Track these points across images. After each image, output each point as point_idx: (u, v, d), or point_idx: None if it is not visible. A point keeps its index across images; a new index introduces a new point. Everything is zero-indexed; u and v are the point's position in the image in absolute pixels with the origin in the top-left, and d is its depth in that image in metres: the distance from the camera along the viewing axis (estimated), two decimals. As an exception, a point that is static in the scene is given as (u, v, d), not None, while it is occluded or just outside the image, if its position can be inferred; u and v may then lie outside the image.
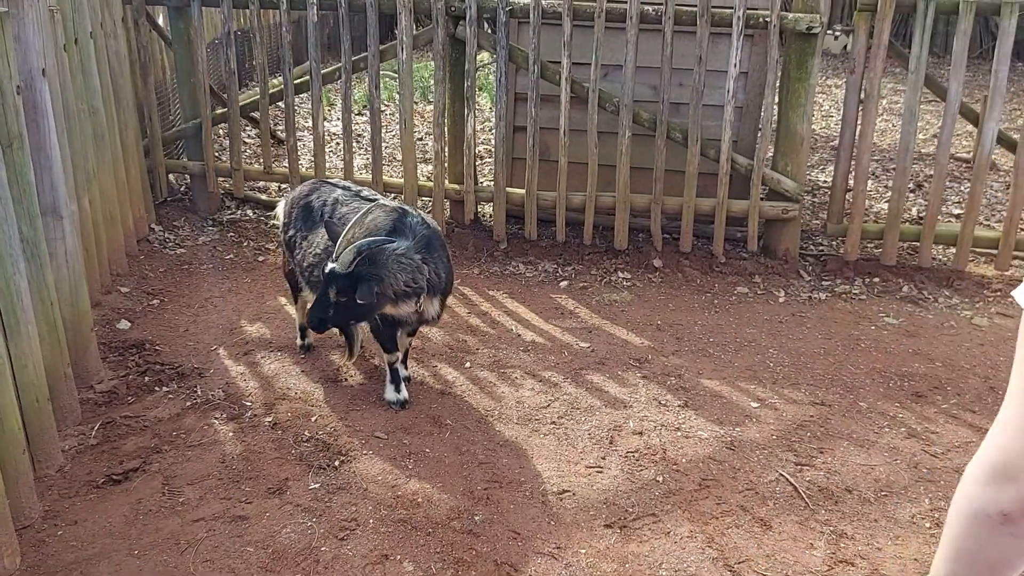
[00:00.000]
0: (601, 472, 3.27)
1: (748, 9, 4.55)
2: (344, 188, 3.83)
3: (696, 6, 4.55)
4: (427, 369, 3.99)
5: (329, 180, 4.00)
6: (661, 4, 4.61)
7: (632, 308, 4.65)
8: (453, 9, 4.84)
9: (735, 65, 4.62)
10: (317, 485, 3.17)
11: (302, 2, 4.92)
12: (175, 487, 3.16)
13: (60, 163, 3.59)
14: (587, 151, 4.89)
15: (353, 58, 5.04)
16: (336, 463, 3.29)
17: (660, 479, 3.23)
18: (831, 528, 2.99)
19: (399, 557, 2.82)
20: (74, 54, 4.12)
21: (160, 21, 5.64)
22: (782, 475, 3.26)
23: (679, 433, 3.53)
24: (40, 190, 3.37)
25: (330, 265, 3.26)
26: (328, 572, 2.75)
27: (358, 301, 3.22)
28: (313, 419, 3.57)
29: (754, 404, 3.74)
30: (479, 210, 5.44)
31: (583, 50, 4.79)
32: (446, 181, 5.19)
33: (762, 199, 4.97)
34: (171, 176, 5.75)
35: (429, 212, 5.23)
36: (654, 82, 4.89)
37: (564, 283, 4.92)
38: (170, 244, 5.24)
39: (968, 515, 1.09)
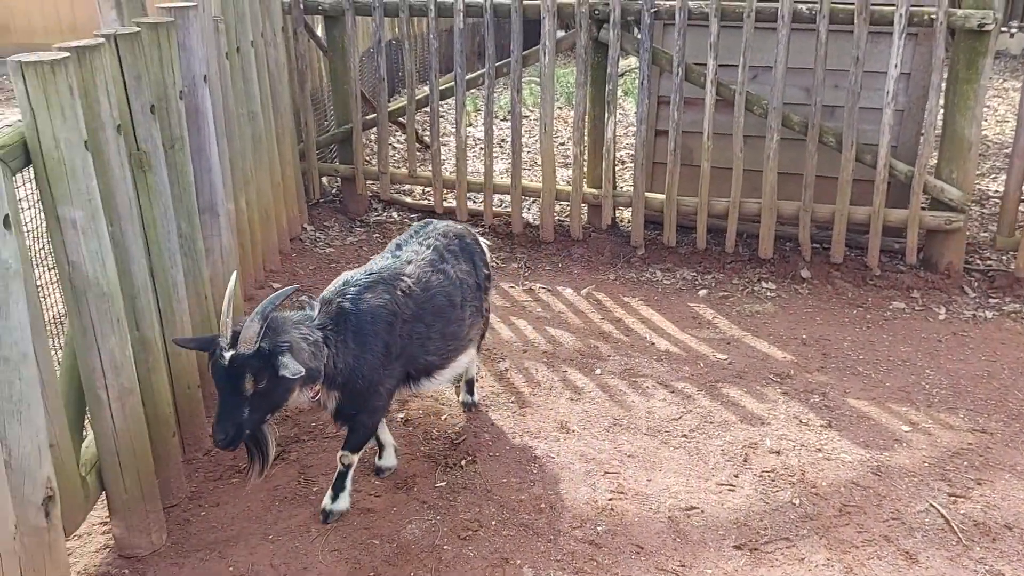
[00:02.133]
0: (733, 490, 3.14)
1: (912, 6, 4.26)
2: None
3: (854, 4, 4.31)
4: (556, 374, 3.96)
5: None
6: (815, 3, 4.39)
7: (776, 320, 4.44)
8: (597, 12, 4.79)
9: (896, 66, 4.33)
10: (443, 483, 3.20)
11: (449, 9, 5.02)
12: (310, 476, 3.27)
13: (219, 164, 3.80)
14: (731, 155, 4.72)
15: (497, 63, 5.08)
16: (462, 463, 3.31)
17: (797, 502, 3.06)
18: (986, 567, 2.74)
19: (519, 562, 2.80)
20: (236, 62, 4.36)
21: (318, 31, 5.89)
22: (933, 506, 3.02)
23: (820, 454, 3.33)
24: (199, 189, 3.58)
25: (228, 353, 2.51)
26: (449, 571, 2.77)
27: (288, 376, 2.52)
28: (443, 418, 3.62)
29: (905, 428, 3.49)
30: (617, 215, 5.37)
31: (730, 51, 4.64)
32: (584, 185, 5.15)
33: (923, 208, 4.64)
34: (324, 179, 6.00)
35: (566, 217, 5.22)
36: (806, 84, 4.66)
37: (703, 291, 4.77)
38: (320, 243, 5.46)
39: None
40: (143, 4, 3.57)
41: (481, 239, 3.50)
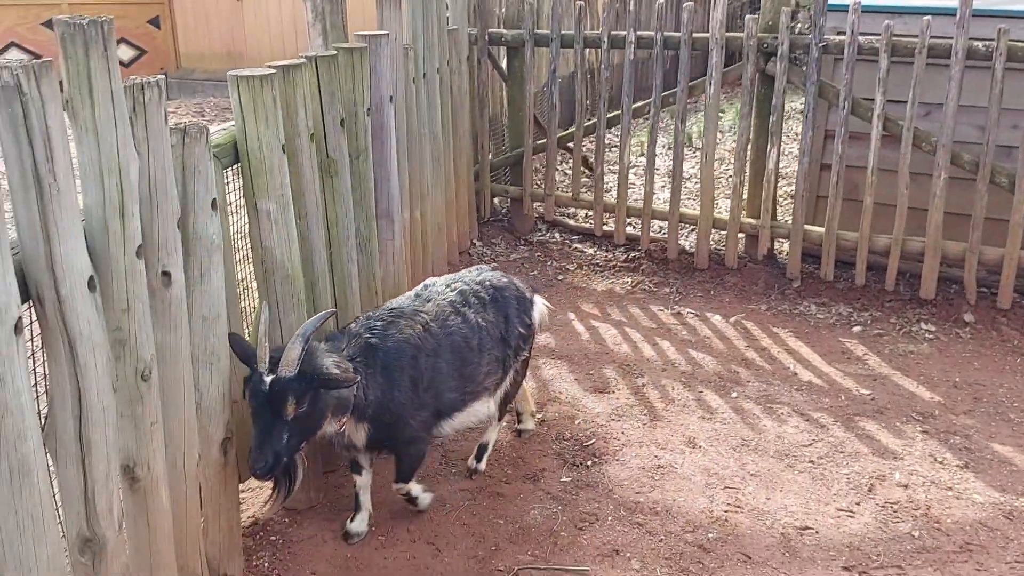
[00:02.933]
0: (852, 517, 3.16)
1: (1098, 45, 4.10)
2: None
3: (1033, 42, 4.19)
4: (691, 393, 4.09)
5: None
6: (992, 40, 4.30)
7: (930, 362, 4.34)
8: (765, 46, 4.91)
9: (1078, 106, 4.17)
10: (568, 479, 3.42)
11: (621, 42, 5.29)
12: (451, 460, 3.59)
13: (397, 176, 4.24)
14: (896, 192, 4.67)
15: (663, 94, 5.29)
16: (588, 463, 3.52)
17: (916, 534, 3.04)
18: (1116, 622, 2.63)
19: (628, 555, 2.97)
20: (421, 86, 4.82)
21: (503, 62, 6.33)
22: (1065, 555, 2.91)
23: (950, 493, 3.28)
24: (378, 197, 4.02)
25: (268, 377, 2.54)
26: (563, 554, 2.99)
27: (333, 396, 2.67)
28: (576, 422, 3.84)
29: (1050, 476, 3.36)
30: (775, 246, 5.40)
31: (899, 87, 4.61)
32: (743, 215, 5.23)
33: (1106, 258, 4.40)
34: (496, 199, 6.40)
35: (722, 246, 5.32)
36: (979, 122, 4.55)
37: (857, 328, 4.72)
38: (486, 258, 5.85)
39: None
40: (345, 32, 4.09)
41: (538, 300, 3.52)
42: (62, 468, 1.94)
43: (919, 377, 4.19)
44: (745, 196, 5.24)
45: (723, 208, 5.41)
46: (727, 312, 4.96)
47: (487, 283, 3.37)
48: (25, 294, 1.77)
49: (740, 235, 5.31)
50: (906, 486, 3.32)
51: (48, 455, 1.86)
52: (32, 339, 1.87)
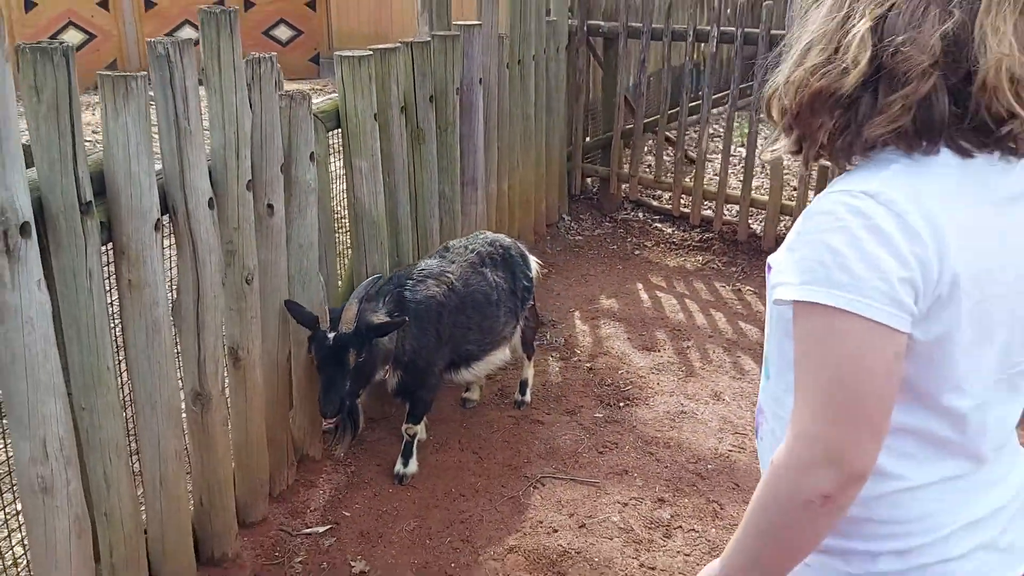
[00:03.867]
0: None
1: None
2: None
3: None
4: (730, 357, 4.53)
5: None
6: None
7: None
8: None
9: None
10: (600, 415, 3.97)
11: (706, 35, 5.72)
12: (506, 393, 4.20)
13: (484, 150, 4.85)
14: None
15: (740, 86, 5.69)
16: (621, 404, 4.05)
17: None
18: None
19: (635, 475, 3.50)
20: (516, 71, 5.42)
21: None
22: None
23: None
24: (464, 166, 4.65)
25: (331, 334, 3.07)
26: (580, 470, 3.55)
27: (384, 346, 3.22)
28: (619, 372, 4.37)
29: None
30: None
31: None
32: (809, 197, 5.57)
33: None
34: (588, 179, 6.94)
35: (765, 225, 5.66)
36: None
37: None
38: (572, 231, 6.41)
39: (789, 503, 1.17)
40: (449, 21, 4.72)
41: (530, 257, 4.01)
42: (184, 338, 2.66)
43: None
44: (812, 185, 5.58)
45: (793, 196, 5.76)
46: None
47: (497, 244, 3.89)
48: (164, 208, 2.49)
49: (805, 222, 5.64)
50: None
51: (174, 327, 2.58)
52: (168, 245, 2.59)
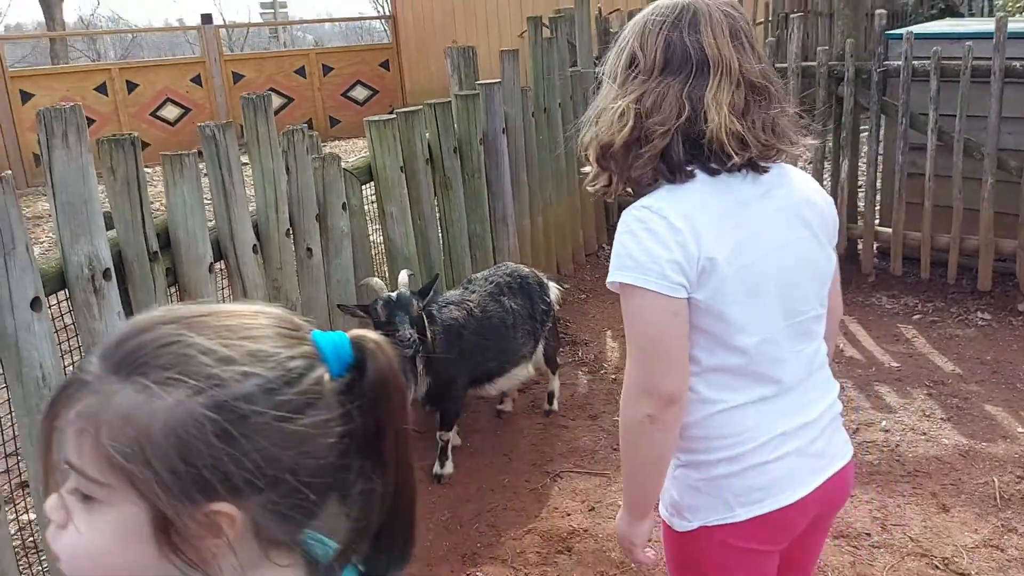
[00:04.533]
0: (832, 451, 3.93)
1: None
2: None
3: (1064, 57, 4.68)
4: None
5: None
6: (1027, 57, 4.82)
7: (971, 344, 4.89)
8: (835, 71, 5.64)
9: (1108, 112, 4.60)
10: (619, 419, 4.43)
11: (718, 73, 6.18)
12: (537, 404, 4.71)
13: (512, 191, 5.43)
14: (952, 195, 5.23)
15: (752, 116, 6.12)
16: (636, 408, 4.51)
17: (876, 462, 3.78)
18: (1004, 525, 3.27)
19: (640, 466, 3.95)
20: (542, 118, 6.01)
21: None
22: (993, 480, 3.54)
23: (923, 437, 3.95)
24: (493, 206, 5.25)
25: (392, 293, 3.64)
26: (596, 465, 4.03)
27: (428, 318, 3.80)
28: (638, 380, 4.82)
29: (1020, 429, 3.92)
30: (858, 247, 6.04)
31: (950, 103, 5.18)
32: (824, 219, 5.92)
33: None
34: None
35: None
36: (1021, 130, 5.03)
37: (917, 316, 5.31)
38: (605, 257, 6.89)
39: (629, 426, 1.64)
40: (475, 82, 5.36)
41: (551, 284, 4.50)
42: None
43: (952, 356, 4.77)
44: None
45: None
46: (803, 302, 5.69)
47: (515, 274, 4.39)
48: (218, 255, 3.14)
49: (821, 236, 5.99)
50: (887, 431, 4.03)
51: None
52: (225, 285, 3.24)
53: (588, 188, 1.86)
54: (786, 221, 1.72)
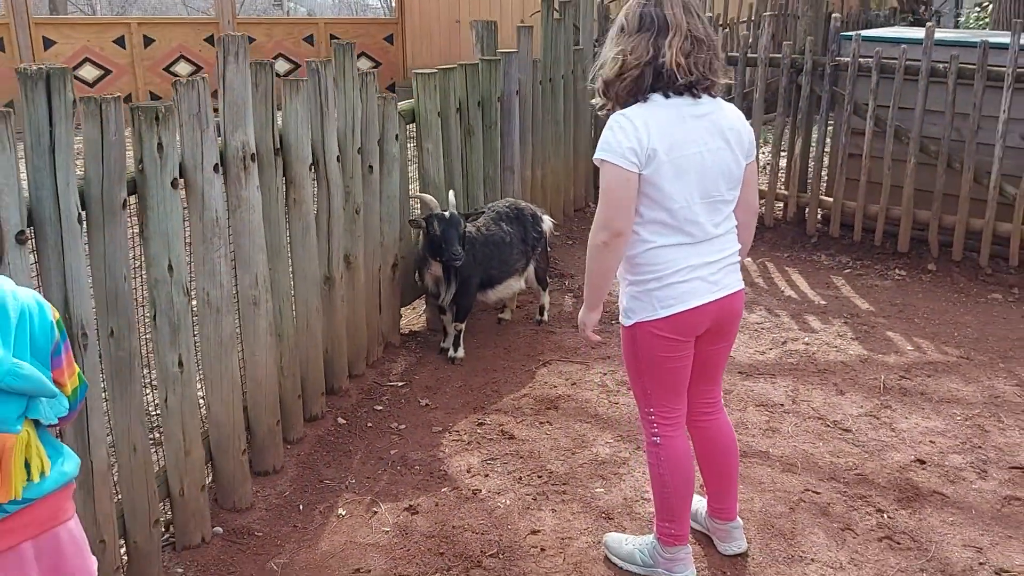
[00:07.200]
0: (762, 355, 5.04)
1: (1019, 68, 5.65)
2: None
3: (974, 64, 5.79)
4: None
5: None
6: (947, 63, 5.93)
7: (887, 292, 6.02)
8: (796, 63, 6.73)
9: (1005, 111, 5.72)
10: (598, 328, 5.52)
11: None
12: (530, 316, 5.77)
13: (519, 145, 6.46)
14: (883, 173, 6.35)
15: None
16: (613, 322, 5.58)
17: (795, 363, 4.89)
18: (886, 408, 4.40)
19: (615, 359, 5.04)
20: (547, 87, 7.04)
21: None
22: (882, 377, 4.67)
23: (835, 350, 5.07)
24: (503, 156, 6.28)
25: (446, 212, 4.81)
26: (575, 356, 5.10)
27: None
28: (615, 303, 5.91)
29: (910, 347, 5.06)
30: (805, 214, 7.16)
31: (887, 96, 6.30)
32: (779, 187, 7.04)
33: (1034, 225, 5.88)
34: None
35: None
36: (942, 122, 6.16)
37: (847, 270, 6.44)
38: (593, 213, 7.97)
39: (592, 248, 2.70)
40: (496, 48, 6.38)
41: (545, 217, 5.52)
42: (319, 241, 4.32)
43: (870, 299, 5.90)
44: (782, 174, 7.06)
45: (763, 182, 7.23)
46: (755, 256, 6.81)
47: (514, 206, 5.50)
48: (314, 160, 4.15)
49: (776, 202, 7.11)
50: (808, 344, 5.15)
51: (316, 230, 4.24)
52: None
53: (599, 113, 2.93)
54: (711, 134, 2.79)
